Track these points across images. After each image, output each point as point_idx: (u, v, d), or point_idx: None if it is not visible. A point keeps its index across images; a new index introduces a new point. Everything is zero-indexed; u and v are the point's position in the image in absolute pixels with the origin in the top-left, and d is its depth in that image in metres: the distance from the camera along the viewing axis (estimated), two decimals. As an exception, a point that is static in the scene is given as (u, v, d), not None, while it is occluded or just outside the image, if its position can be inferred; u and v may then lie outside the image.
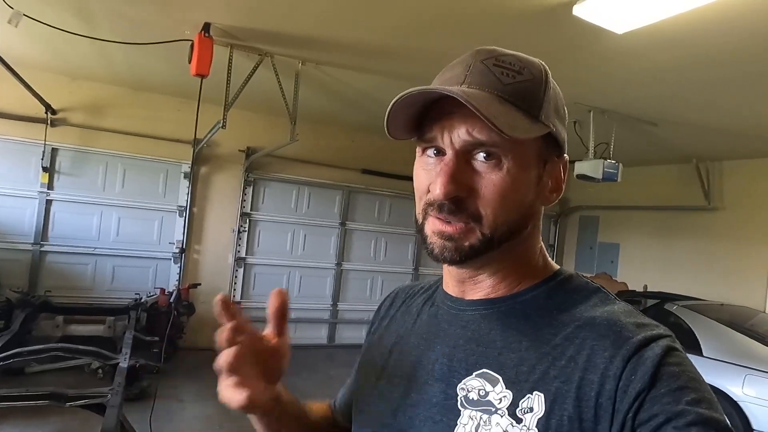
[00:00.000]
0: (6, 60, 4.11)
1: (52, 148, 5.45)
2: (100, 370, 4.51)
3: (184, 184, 6.01)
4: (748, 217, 5.98)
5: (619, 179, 4.76)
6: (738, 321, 4.51)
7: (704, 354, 4.09)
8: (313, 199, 6.74)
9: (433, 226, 0.64)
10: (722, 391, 3.88)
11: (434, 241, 0.63)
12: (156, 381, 4.13)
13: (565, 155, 0.69)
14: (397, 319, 0.80)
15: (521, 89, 0.62)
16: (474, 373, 0.63)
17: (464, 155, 0.61)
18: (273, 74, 4.20)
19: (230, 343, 0.59)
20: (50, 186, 5.52)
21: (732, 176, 6.22)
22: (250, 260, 6.42)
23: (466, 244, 0.62)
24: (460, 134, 0.61)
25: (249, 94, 4.45)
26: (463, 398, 0.62)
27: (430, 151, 0.65)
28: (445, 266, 0.70)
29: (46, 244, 5.51)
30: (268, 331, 0.65)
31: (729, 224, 6.17)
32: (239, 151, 6.20)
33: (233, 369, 0.59)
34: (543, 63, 0.66)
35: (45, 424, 3.58)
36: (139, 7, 3.37)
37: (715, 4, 2.51)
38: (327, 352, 6.45)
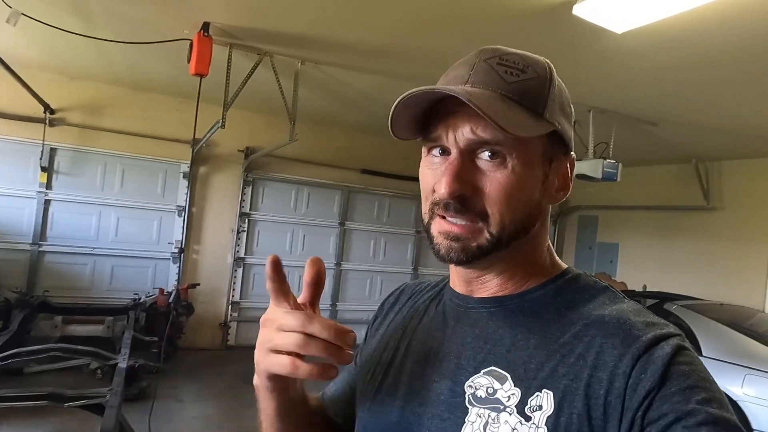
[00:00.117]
0: (4, 59, 4.10)
1: (51, 148, 5.44)
2: (99, 371, 4.50)
3: (183, 184, 6.00)
4: (748, 217, 5.99)
5: (618, 179, 4.75)
6: (737, 321, 4.51)
7: (704, 354, 4.09)
8: (312, 199, 6.74)
9: (439, 226, 0.63)
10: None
11: (440, 241, 0.63)
12: (155, 381, 4.12)
13: (572, 153, 0.69)
14: (402, 315, 0.80)
15: (525, 87, 0.62)
16: (482, 371, 0.62)
17: (469, 154, 0.61)
18: (272, 74, 4.19)
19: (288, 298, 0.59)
20: (49, 186, 5.51)
21: (731, 176, 6.23)
22: (249, 260, 6.41)
23: (474, 244, 0.62)
24: (464, 133, 0.61)
25: (248, 94, 4.45)
26: (470, 396, 0.62)
27: (436, 151, 0.65)
28: (452, 266, 0.70)
29: (44, 244, 5.50)
30: (302, 299, 0.63)
31: (728, 224, 6.17)
32: (238, 150, 6.19)
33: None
34: (548, 61, 0.66)
35: (44, 425, 3.56)
36: (138, 6, 3.36)
37: (715, 4, 2.51)
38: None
